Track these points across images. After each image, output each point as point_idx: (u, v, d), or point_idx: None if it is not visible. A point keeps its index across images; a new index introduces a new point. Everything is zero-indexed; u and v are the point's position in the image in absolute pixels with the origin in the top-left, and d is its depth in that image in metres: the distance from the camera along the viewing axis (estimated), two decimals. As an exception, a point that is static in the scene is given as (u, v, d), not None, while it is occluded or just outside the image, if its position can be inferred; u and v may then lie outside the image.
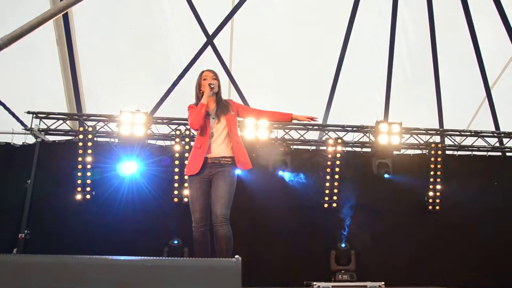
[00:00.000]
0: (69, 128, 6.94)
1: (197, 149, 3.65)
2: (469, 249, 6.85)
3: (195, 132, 6.75)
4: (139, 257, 1.50)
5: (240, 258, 1.52)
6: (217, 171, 3.61)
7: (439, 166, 7.07)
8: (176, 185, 6.69)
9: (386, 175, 6.94)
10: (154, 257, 1.53)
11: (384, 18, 7.21)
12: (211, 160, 3.62)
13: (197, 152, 3.63)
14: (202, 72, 3.81)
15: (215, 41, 7.24)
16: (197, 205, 3.57)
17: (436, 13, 7.03)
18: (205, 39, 7.22)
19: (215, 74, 3.76)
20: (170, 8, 7.11)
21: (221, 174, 3.61)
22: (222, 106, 3.73)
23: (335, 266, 6.74)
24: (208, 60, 7.24)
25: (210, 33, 7.20)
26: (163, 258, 1.53)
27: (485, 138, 7.47)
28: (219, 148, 3.66)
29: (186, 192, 6.62)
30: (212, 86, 3.62)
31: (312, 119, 3.83)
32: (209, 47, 7.28)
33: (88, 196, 6.58)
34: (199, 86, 3.77)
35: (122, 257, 1.53)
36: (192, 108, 3.71)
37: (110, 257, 1.53)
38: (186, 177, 4.11)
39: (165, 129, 7.15)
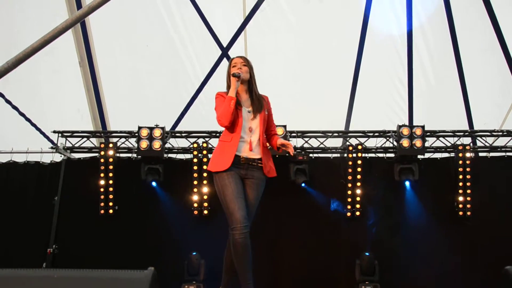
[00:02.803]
0: (93, 145, 7.20)
1: (226, 144, 3.28)
2: (505, 260, 6.37)
3: (214, 144, 6.93)
4: (47, 269, 1.50)
5: (152, 269, 1.48)
6: (253, 176, 3.28)
7: (468, 169, 6.67)
8: (196, 198, 6.72)
9: (406, 182, 6.64)
10: (63, 268, 1.53)
11: (399, 19, 6.99)
12: (248, 161, 3.25)
13: (227, 146, 3.26)
14: (232, 59, 3.51)
15: (230, 52, 7.29)
16: (239, 203, 3.14)
17: (454, 7, 6.71)
18: (220, 51, 7.29)
19: (245, 60, 3.43)
20: (183, 22, 7.24)
21: (254, 183, 3.29)
22: (257, 101, 3.36)
23: (360, 276, 6.50)
24: (225, 72, 7.29)
25: (224, 45, 7.26)
26: (72, 269, 1.52)
27: (520, 138, 7.00)
28: (256, 148, 3.29)
29: (205, 204, 6.66)
30: (236, 75, 3.25)
31: (285, 145, 3.36)
32: (225, 59, 7.33)
33: (110, 211, 6.76)
34: (228, 75, 3.45)
35: (26, 269, 1.54)
36: (221, 97, 3.35)
37: (14, 269, 1.54)
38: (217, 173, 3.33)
39: (185, 143, 7.26)
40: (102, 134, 7.27)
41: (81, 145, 7.12)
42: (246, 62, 3.41)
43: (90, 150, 7.14)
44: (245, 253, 3.14)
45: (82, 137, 7.11)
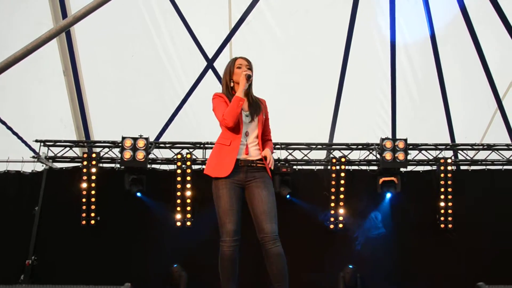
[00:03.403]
0: (75, 155, 7.11)
1: (225, 147, 3.18)
2: (486, 271, 6.45)
3: (198, 155, 6.92)
4: (22, 285, 1.47)
5: (129, 285, 1.46)
6: (254, 177, 3.16)
7: (449, 182, 6.76)
8: (178, 208, 6.67)
9: (388, 194, 6.70)
10: (37, 285, 1.50)
11: (382, 34, 7.11)
12: (246, 162, 3.16)
13: (226, 150, 3.16)
14: (236, 58, 3.36)
15: (215, 64, 7.31)
16: (231, 216, 3.07)
17: (437, 25, 6.86)
18: (205, 63, 7.31)
19: (250, 63, 3.31)
20: (169, 33, 7.25)
21: (260, 181, 3.16)
22: (255, 104, 3.28)
23: (343, 289, 6.51)
24: (210, 83, 7.32)
25: (210, 56, 7.29)
26: (46, 285, 1.49)
27: (500, 152, 7.12)
28: (254, 150, 3.21)
29: (188, 215, 6.62)
30: (250, 75, 3.18)
31: (266, 158, 3.27)
32: (210, 71, 7.36)
33: (92, 222, 6.66)
34: (230, 73, 3.31)
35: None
36: (220, 98, 3.25)
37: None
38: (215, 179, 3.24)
39: (169, 154, 7.22)
40: (85, 144, 7.22)
41: (64, 155, 7.03)
42: (250, 66, 3.31)
43: (72, 159, 7.05)
44: (230, 265, 3.12)
45: (65, 146, 7.02)
